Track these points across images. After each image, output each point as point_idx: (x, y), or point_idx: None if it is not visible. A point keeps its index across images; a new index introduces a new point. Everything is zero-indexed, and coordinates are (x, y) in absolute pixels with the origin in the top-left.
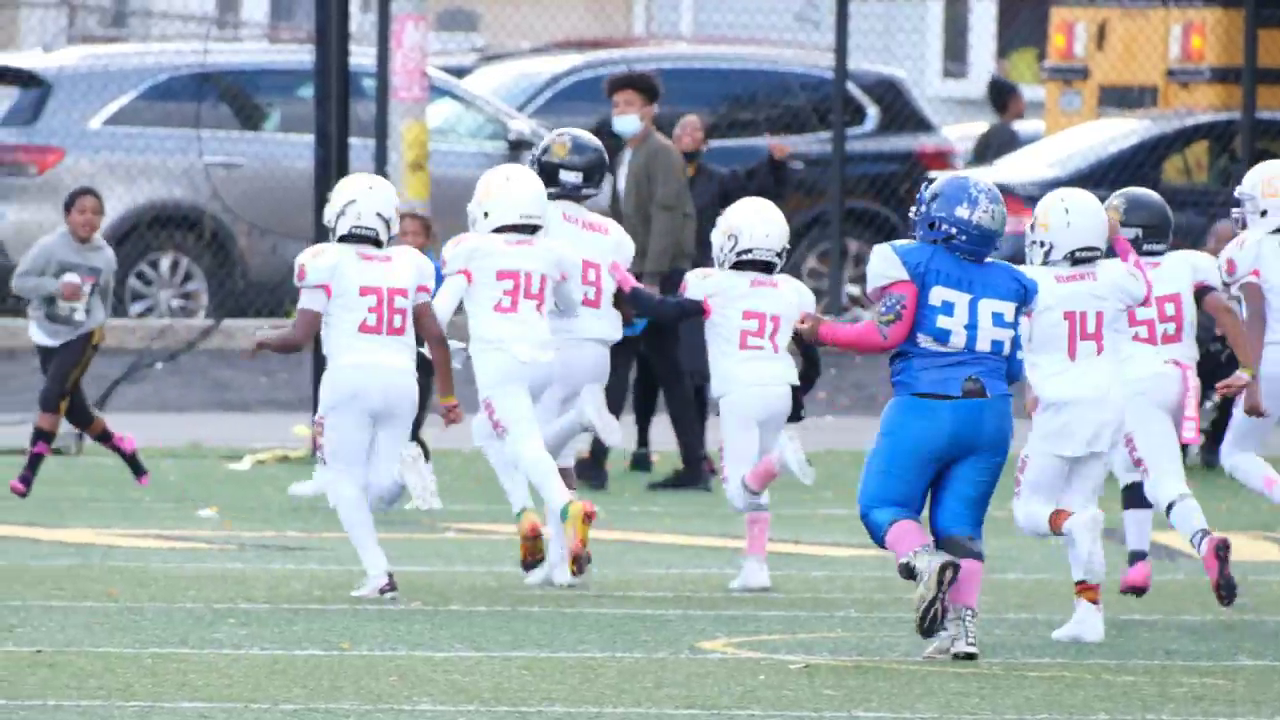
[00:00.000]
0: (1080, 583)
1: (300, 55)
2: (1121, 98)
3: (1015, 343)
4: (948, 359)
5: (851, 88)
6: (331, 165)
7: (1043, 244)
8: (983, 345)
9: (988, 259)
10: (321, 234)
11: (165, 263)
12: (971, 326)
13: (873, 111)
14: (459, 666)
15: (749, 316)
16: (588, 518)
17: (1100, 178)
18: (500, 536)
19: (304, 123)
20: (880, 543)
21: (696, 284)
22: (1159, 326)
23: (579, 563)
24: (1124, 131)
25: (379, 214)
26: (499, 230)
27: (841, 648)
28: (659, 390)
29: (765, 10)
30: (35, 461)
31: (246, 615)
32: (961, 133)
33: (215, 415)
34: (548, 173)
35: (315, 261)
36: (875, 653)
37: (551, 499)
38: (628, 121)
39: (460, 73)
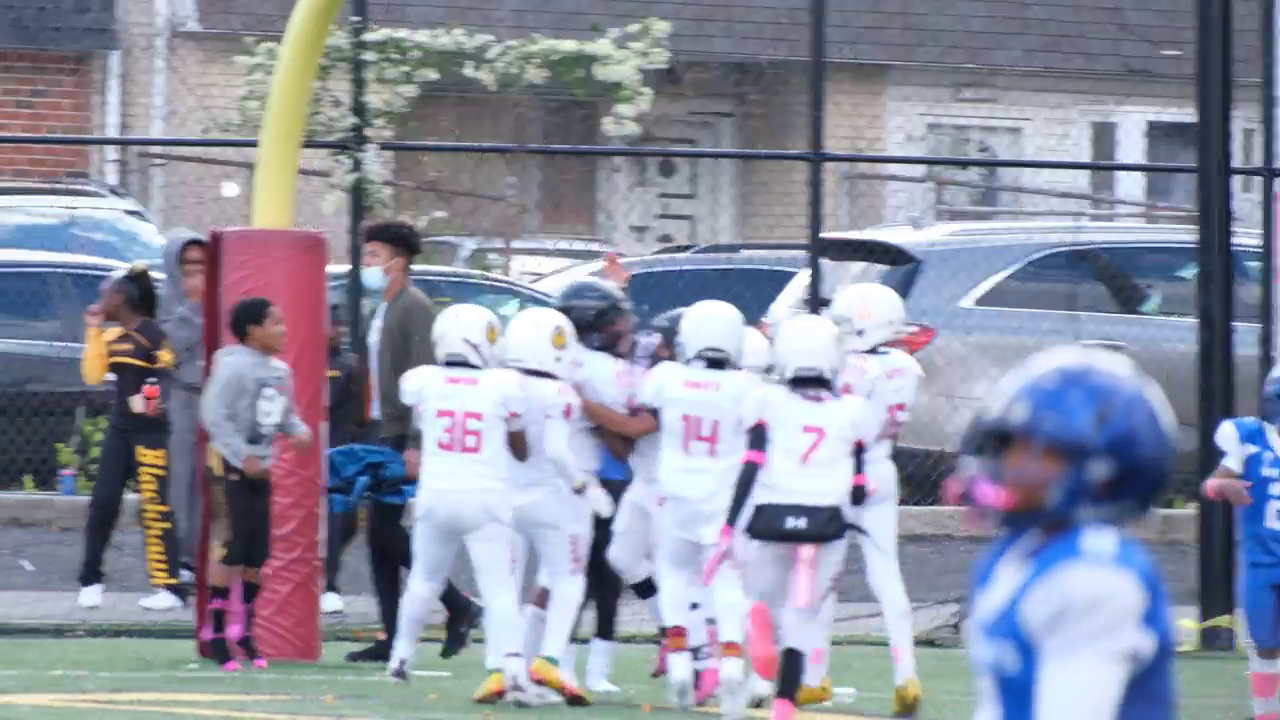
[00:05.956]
0: None
1: (1179, 234)
2: None
3: None
4: None
5: None
6: (1215, 349)
7: None
8: None
9: None
10: (1207, 421)
11: None
12: None
13: None
14: None
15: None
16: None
17: None
18: None
19: (1184, 304)
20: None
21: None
22: None
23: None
24: None
25: (465, 339)
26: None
27: None
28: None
29: None
30: None
31: None
32: None
33: None
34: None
35: (405, 385)
36: None
37: None
38: (372, 274)
39: None
